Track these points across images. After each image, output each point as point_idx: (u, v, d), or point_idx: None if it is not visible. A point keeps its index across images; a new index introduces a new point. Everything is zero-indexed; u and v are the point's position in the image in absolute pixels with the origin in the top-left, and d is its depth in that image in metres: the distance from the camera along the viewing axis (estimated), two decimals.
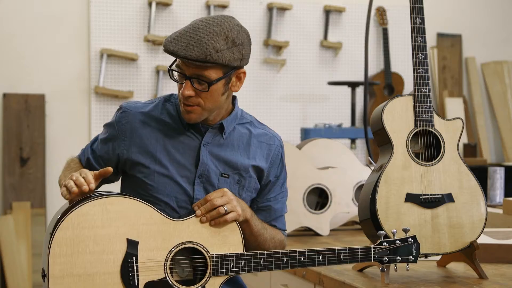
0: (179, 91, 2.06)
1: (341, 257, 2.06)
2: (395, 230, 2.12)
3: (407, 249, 2.10)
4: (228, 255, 1.98)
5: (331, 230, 3.36)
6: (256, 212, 2.17)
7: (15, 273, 4.75)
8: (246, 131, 2.18)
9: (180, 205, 2.07)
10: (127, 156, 2.09)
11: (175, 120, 2.12)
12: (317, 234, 3.28)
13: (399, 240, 2.10)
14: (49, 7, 5.10)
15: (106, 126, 2.18)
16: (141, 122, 2.11)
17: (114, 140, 2.12)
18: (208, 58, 1.96)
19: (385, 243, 2.09)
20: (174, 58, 2.04)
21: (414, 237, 2.11)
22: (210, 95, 2.02)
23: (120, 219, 1.92)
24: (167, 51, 1.99)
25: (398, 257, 2.10)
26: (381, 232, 2.11)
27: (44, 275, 1.87)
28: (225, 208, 2.00)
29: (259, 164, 2.16)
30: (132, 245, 1.91)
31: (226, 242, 2.00)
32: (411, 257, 2.11)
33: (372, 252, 2.08)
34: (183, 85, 2.02)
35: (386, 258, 2.09)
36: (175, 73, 2.05)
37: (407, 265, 2.13)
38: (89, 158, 2.16)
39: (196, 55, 1.96)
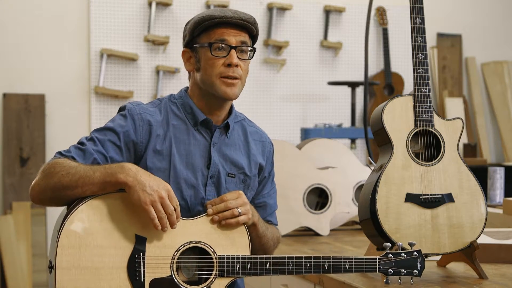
0: (217, 67, 2.07)
1: (347, 266, 2.06)
2: (400, 243, 2.12)
3: (412, 262, 2.10)
4: (234, 257, 1.98)
5: (331, 230, 3.36)
6: (265, 210, 2.23)
7: (15, 273, 4.75)
8: (242, 130, 2.22)
9: (192, 207, 2.08)
10: (142, 160, 2.05)
11: (183, 121, 2.12)
12: (317, 234, 3.28)
13: (405, 253, 2.10)
14: (49, 7, 5.11)
15: (117, 127, 2.04)
16: (154, 126, 2.07)
17: (130, 143, 2.04)
18: (256, 22, 2.10)
19: (391, 255, 2.09)
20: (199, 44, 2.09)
21: (419, 251, 2.12)
22: (246, 69, 2.11)
23: (129, 214, 1.91)
24: (219, 17, 2.05)
25: (403, 270, 2.09)
26: (386, 244, 2.11)
27: (51, 267, 1.87)
28: (239, 210, 2.00)
29: (260, 161, 2.22)
30: (140, 241, 1.91)
31: (233, 244, 2.00)
32: (415, 270, 2.10)
33: (377, 263, 2.08)
34: (229, 55, 2.06)
35: (391, 270, 2.09)
36: (214, 50, 2.07)
37: (411, 278, 2.13)
38: (96, 159, 2.02)
39: (248, 17, 2.08)
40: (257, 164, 2.21)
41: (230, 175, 2.14)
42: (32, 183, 1.99)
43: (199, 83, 2.11)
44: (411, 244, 2.11)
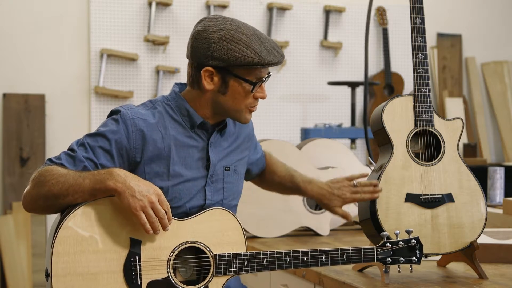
0: (249, 99, 2.07)
1: (344, 257, 2.06)
2: (398, 231, 2.12)
3: (410, 250, 2.10)
4: (231, 254, 1.98)
5: (331, 230, 3.36)
6: (257, 164, 2.40)
7: (15, 273, 4.75)
8: (231, 123, 2.23)
9: (191, 210, 2.08)
10: (139, 166, 2.04)
11: (180, 123, 2.10)
12: (317, 234, 3.28)
13: (402, 241, 2.10)
14: (49, 7, 5.11)
15: (108, 133, 2.02)
16: (149, 130, 2.04)
17: (122, 149, 2.02)
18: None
19: (388, 244, 2.09)
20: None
21: (417, 238, 2.12)
22: None
23: (123, 218, 1.91)
24: (273, 63, 2.03)
25: (401, 258, 2.10)
26: (384, 233, 2.11)
27: (48, 275, 1.87)
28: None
29: (246, 145, 2.28)
30: (135, 244, 1.91)
31: (229, 241, 2.00)
32: (414, 258, 2.11)
33: (375, 253, 2.08)
34: (260, 88, 2.09)
35: (389, 259, 2.09)
36: (255, 87, 2.08)
37: (411, 266, 2.13)
38: (86, 166, 1.98)
39: (283, 53, 2.10)
40: (243, 149, 2.26)
41: (226, 169, 2.16)
42: (24, 192, 1.97)
43: (219, 105, 2.09)
44: (408, 232, 2.11)
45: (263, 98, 2.09)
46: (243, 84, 2.04)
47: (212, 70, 2.04)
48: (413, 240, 2.11)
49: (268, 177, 2.48)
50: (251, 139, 2.32)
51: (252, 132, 2.32)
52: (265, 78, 2.07)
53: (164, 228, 1.90)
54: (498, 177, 3.71)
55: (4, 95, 4.97)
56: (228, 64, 2.01)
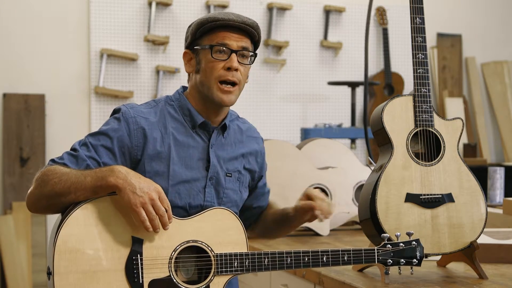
0: (216, 70, 2.05)
1: (345, 258, 2.06)
2: (399, 233, 2.12)
3: (411, 252, 2.10)
4: (232, 254, 1.98)
5: (331, 230, 3.36)
6: (258, 198, 2.30)
7: (15, 273, 4.75)
8: (236, 128, 2.22)
9: (191, 210, 2.08)
10: (140, 164, 2.04)
11: (181, 123, 2.11)
12: (317, 234, 3.28)
13: (403, 242, 2.10)
14: (49, 7, 5.11)
15: (110, 131, 2.03)
16: (150, 128, 2.05)
17: (124, 147, 2.03)
18: (259, 27, 2.10)
19: (389, 245, 2.10)
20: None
21: (418, 240, 2.12)
22: (245, 74, 2.11)
23: (124, 216, 1.91)
24: (222, 20, 2.04)
25: (402, 260, 2.10)
26: (385, 234, 2.11)
27: (49, 273, 1.87)
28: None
29: (254, 159, 2.25)
30: (137, 242, 1.91)
31: (230, 241, 2.00)
32: (415, 260, 2.11)
33: (376, 254, 2.09)
34: (229, 59, 2.05)
35: (390, 260, 2.09)
36: (215, 52, 2.06)
37: (411, 268, 2.13)
38: (89, 165, 1.99)
39: (251, 22, 2.08)
40: (251, 161, 2.23)
41: (228, 174, 2.15)
42: (28, 192, 1.98)
43: (198, 85, 2.10)
44: (409, 234, 2.12)
45: (231, 67, 2.05)
46: (207, 55, 2.07)
47: (186, 51, 2.14)
48: (414, 242, 2.11)
49: (264, 215, 2.37)
50: (261, 158, 2.29)
51: (262, 151, 2.29)
52: (239, 51, 2.06)
53: (164, 226, 1.90)
54: (498, 177, 3.71)
55: (4, 95, 4.98)
56: (192, 38, 2.10)
